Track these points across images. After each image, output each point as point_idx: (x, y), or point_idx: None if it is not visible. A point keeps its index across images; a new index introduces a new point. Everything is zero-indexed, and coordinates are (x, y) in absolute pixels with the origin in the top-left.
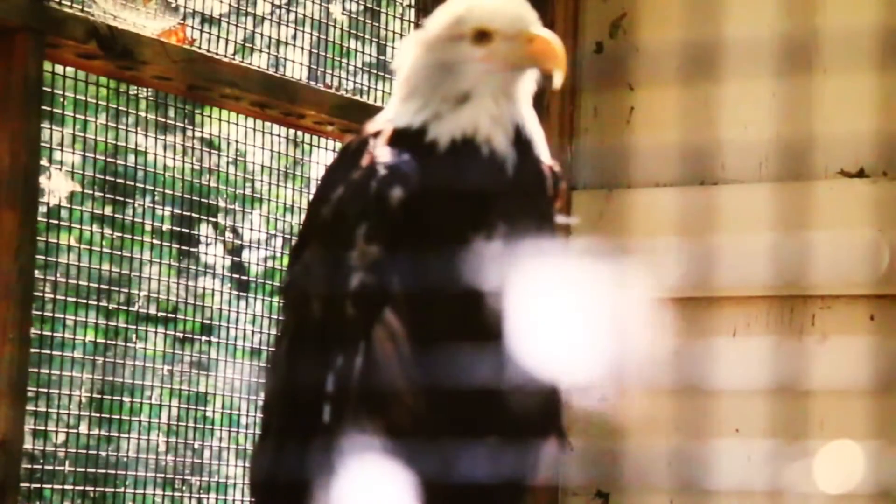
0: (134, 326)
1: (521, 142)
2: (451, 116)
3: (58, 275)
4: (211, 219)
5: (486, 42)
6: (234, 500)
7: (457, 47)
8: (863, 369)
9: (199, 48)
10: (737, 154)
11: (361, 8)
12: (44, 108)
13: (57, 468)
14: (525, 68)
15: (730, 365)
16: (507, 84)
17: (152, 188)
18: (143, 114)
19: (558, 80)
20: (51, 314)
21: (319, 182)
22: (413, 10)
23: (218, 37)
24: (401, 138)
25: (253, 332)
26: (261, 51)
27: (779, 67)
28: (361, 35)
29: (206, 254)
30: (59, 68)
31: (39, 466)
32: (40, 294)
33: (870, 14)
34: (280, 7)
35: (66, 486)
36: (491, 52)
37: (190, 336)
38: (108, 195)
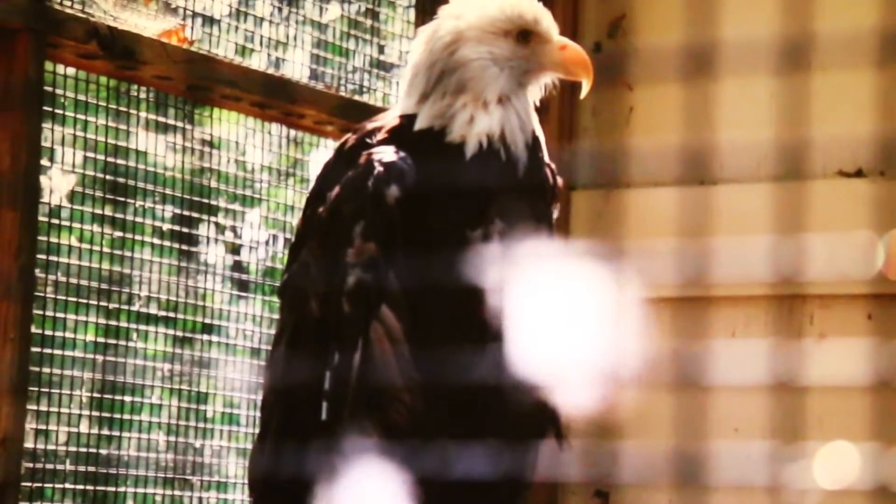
0: (135, 326)
1: (531, 143)
2: (483, 117)
3: (59, 274)
4: (211, 218)
5: (527, 43)
6: (234, 499)
7: (498, 42)
8: (861, 368)
9: (200, 49)
10: (735, 154)
11: (361, 8)
12: (45, 108)
13: (58, 467)
14: (555, 73)
15: (728, 364)
16: (535, 86)
17: (152, 188)
18: (143, 114)
19: (586, 90)
20: (52, 313)
21: (316, 180)
22: (413, 10)
23: (218, 37)
24: (415, 137)
25: (253, 331)
26: (261, 51)
27: (777, 67)
28: (361, 35)
29: (206, 253)
30: (59, 68)
31: (41, 465)
32: (41, 293)
33: (868, 14)
34: (280, 7)
35: (68, 485)
36: (532, 53)
37: (190, 335)
38: (108, 195)
